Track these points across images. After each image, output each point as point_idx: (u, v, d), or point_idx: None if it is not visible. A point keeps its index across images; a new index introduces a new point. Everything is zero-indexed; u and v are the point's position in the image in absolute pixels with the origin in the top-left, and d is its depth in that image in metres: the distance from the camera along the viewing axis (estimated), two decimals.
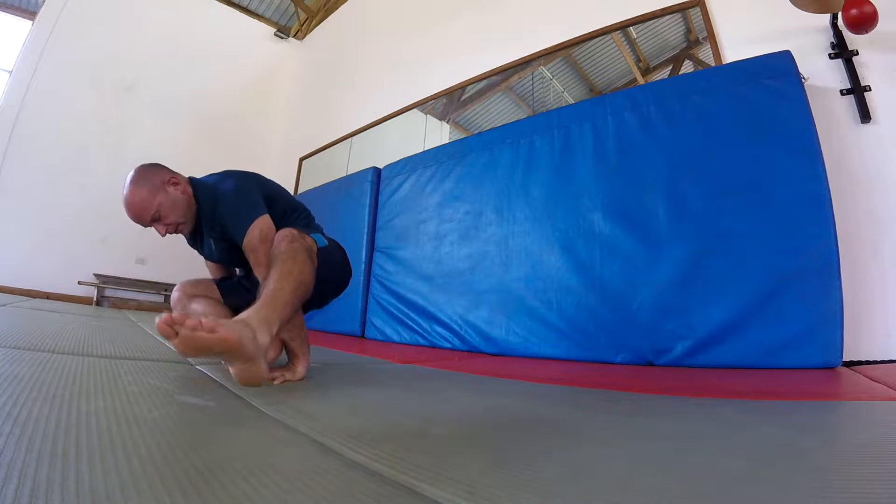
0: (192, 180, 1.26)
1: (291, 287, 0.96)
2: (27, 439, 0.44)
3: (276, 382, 0.94)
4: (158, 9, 5.28)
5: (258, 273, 1.10)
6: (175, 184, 1.20)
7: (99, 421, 0.53)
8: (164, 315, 0.69)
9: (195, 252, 1.42)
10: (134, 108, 5.03)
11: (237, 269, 1.45)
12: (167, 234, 1.22)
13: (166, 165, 1.25)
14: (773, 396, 1.11)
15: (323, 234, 1.31)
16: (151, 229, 1.21)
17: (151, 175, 1.18)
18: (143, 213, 1.15)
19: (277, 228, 1.19)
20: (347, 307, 2.98)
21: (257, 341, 0.81)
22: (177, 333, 0.69)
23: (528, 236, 2.26)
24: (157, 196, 1.16)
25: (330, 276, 1.22)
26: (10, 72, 4.48)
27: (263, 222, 1.14)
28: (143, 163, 1.22)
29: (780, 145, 1.69)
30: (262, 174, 1.34)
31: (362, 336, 3.00)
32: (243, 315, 0.85)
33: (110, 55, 4.91)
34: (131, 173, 1.18)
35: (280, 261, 1.00)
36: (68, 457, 0.40)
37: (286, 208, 1.32)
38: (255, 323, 0.84)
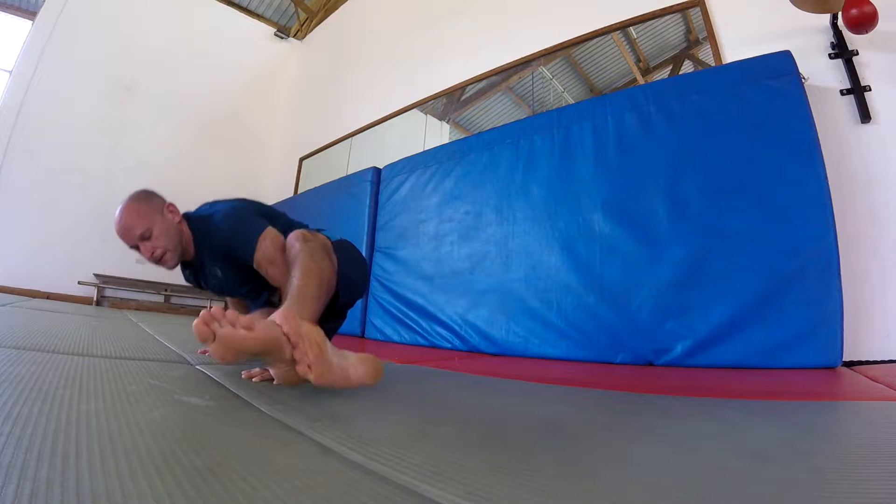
0: (186, 215, 1.25)
1: (315, 283, 0.96)
2: (27, 439, 0.44)
3: (276, 383, 0.94)
4: (158, 9, 5.28)
5: (278, 281, 1.08)
6: (172, 212, 1.20)
7: (99, 421, 0.53)
8: (202, 313, 0.66)
9: None
10: (134, 107, 5.03)
11: (250, 302, 1.44)
12: (150, 260, 1.17)
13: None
14: (773, 396, 1.11)
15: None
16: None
17: (152, 196, 1.19)
18: (134, 228, 1.13)
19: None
20: None
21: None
22: (214, 337, 0.66)
23: (528, 236, 2.26)
24: (154, 216, 1.15)
25: (352, 268, 1.21)
26: (10, 72, 4.48)
27: (270, 233, 1.12)
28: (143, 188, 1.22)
29: (780, 145, 1.69)
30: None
31: (362, 336, 3.00)
32: (274, 315, 0.84)
33: (110, 55, 4.91)
34: (131, 193, 1.19)
35: (300, 260, 0.99)
36: (68, 457, 0.40)
37: (287, 226, 1.29)
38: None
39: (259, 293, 1.33)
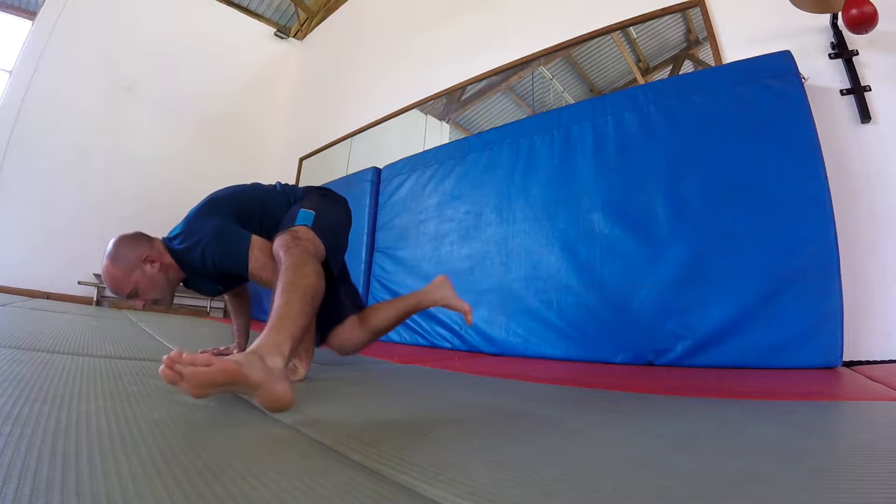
0: (167, 245, 1.23)
1: (298, 297, 0.95)
2: (27, 439, 0.44)
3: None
4: (158, 9, 5.28)
5: (272, 284, 1.08)
6: (152, 261, 1.18)
7: (99, 421, 0.53)
8: (164, 359, 0.68)
9: None
10: (134, 108, 5.03)
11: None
12: (145, 308, 1.23)
13: (146, 235, 1.22)
14: (773, 396, 1.11)
15: (306, 198, 1.29)
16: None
17: (128, 251, 1.16)
18: (120, 291, 1.16)
19: (268, 219, 1.23)
20: None
21: (267, 366, 0.79)
22: (182, 377, 0.66)
23: (528, 236, 2.26)
24: (133, 274, 1.15)
25: (335, 239, 1.22)
26: (10, 72, 4.48)
27: (256, 243, 1.14)
28: (123, 233, 1.19)
29: (780, 145, 1.69)
30: (222, 187, 1.30)
31: None
32: (252, 345, 0.84)
33: (110, 55, 4.91)
34: (110, 245, 1.16)
35: (282, 274, 1.00)
36: (68, 457, 0.40)
37: (263, 201, 1.29)
38: (264, 349, 0.82)
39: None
